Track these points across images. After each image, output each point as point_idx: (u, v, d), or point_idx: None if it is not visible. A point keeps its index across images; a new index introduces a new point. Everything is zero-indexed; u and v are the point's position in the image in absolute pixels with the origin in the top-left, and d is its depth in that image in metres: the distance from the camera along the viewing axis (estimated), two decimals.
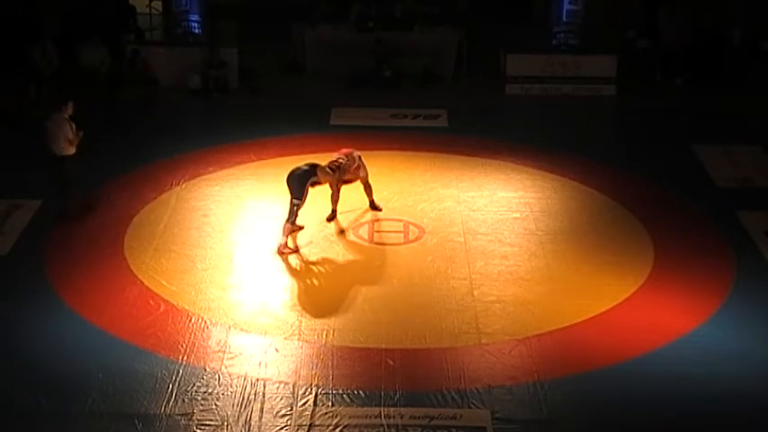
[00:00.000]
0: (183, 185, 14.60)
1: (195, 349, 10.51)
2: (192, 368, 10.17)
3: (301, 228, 12.98)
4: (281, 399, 9.72)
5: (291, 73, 20.44)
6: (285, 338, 10.77)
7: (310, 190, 12.71)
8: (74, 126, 13.07)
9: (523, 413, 9.53)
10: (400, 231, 13.34)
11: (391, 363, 10.31)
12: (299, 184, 12.57)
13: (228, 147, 16.07)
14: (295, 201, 12.53)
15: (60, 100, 13.19)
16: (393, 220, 13.56)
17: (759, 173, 15.50)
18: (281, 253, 12.52)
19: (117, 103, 18.19)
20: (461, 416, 9.46)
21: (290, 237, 12.71)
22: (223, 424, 9.35)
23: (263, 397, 9.74)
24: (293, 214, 12.56)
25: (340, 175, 13.11)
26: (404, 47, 20.10)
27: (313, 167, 12.70)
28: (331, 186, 13.14)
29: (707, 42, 19.86)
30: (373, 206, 13.75)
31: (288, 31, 20.84)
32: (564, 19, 20.43)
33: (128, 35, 20.30)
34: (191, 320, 11.06)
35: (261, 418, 9.45)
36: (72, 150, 13.10)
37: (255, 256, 12.62)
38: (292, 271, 12.29)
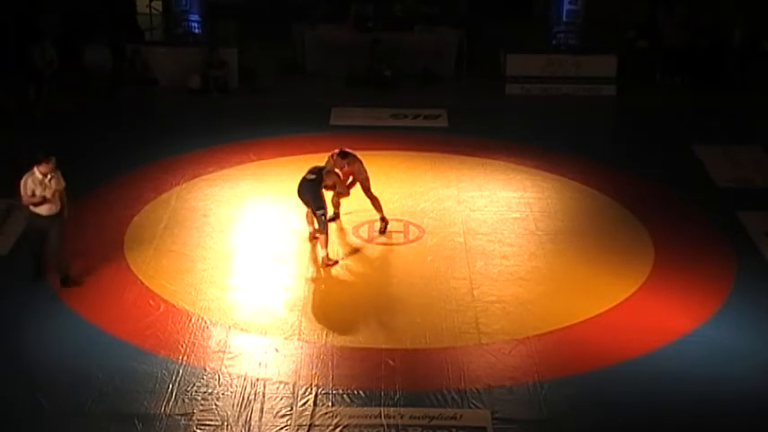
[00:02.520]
0: (183, 185, 14.60)
1: (195, 349, 10.51)
2: (191, 368, 10.17)
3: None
4: (281, 399, 9.72)
5: (291, 73, 20.44)
6: (285, 338, 10.77)
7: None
8: (33, 186, 11.37)
9: (523, 413, 9.53)
10: (400, 231, 13.33)
11: (391, 363, 10.31)
12: (313, 194, 12.37)
13: (228, 147, 16.07)
14: (318, 212, 12.31)
15: (40, 157, 11.43)
16: (393, 220, 13.53)
17: (759, 173, 15.51)
18: (326, 265, 12.31)
19: (117, 102, 18.27)
20: (461, 416, 9.46)
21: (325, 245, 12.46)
22: (223, 424, 9.35)
23: (263, 397, 9.74)
24: (323, 224, 12.32)
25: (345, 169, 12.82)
26: (404, 47, 20.10)
27: (318, 174, 12.46)
28: (337, 186, 12.81)
29: (707, 42, 19.87)
30: (383, 224, 13.25)
31: (288, 31, 20.84)
32: (564, 19, 20.40)
33: (127, 35, 20.25)
34: (191, 320, 11.06)
35: (261, 418, 9.45)
36: (34, 210, 11.48)
37: (255, 256, 12.61)
38: (292, 271, 12.29)
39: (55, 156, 11.44)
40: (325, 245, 12.35)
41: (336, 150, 12.92)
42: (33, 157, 11.45)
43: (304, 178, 12.50)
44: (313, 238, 12.81)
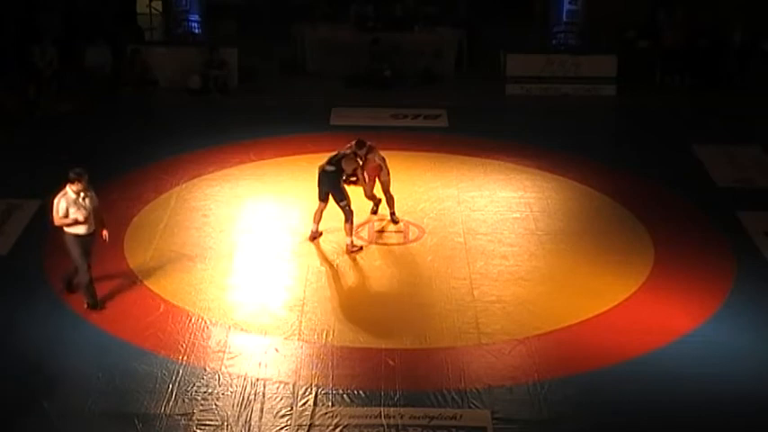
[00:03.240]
0: (183, 185, 14.60)
1: (195, 349, 10.51)
2: (192, 368, 10.16)
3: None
4: (281, 399, 9.72)
5: (291, 73, 20.45)
6: (285, 338, 10.77)
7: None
8: (67, 205, 10.80)
9: (523, 413, 9.53)
10: (400, 231, 13.34)
11: (391, 363, 10.31)
12: (334, 186, 12.50)
13: (228, 147, 16.07)
14: (342, 203, 12.48)
15: (72, 175, 10.82)
16: None
17: (759, 173, 15.51)
18: (350, 252, 12.53)
19: (117, 102, 18.28)
20: (461, 416, 9.46)
21: (354, 236, 12.74)
22: (223, 424, 9.35)
23: (263, 397, 9.74)
24: (348, 214, 12.49)
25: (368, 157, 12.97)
26: (404, 47, 20.12)
27: (338, 164, 12.55)
28: (357, 175, 12.94)
29: (707, 42, 19.87)
30: (394, 218, 13.50)
31: (288, 31, 20.85)
32: (564, 19, 20.45)
33: (127, 35, 20.26)
34: (191, 320, 11.06)
35: (261, 418, 9.45)
36: (74, 230, 10.92)
37: (255, 255, 12.62)
38: (292, 271, 12.29)
39: (88, 173, 10.91)
40: (350, 233, 12.55)
41: (353, 141, 13.05)
42: (66, 175, 10.85)
43: (323, 170, 12.60)
44: (314, 238, 12.83)
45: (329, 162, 12.62)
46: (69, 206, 10.80)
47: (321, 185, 12.63)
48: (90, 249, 11.12)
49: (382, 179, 13.28)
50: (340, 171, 12.56)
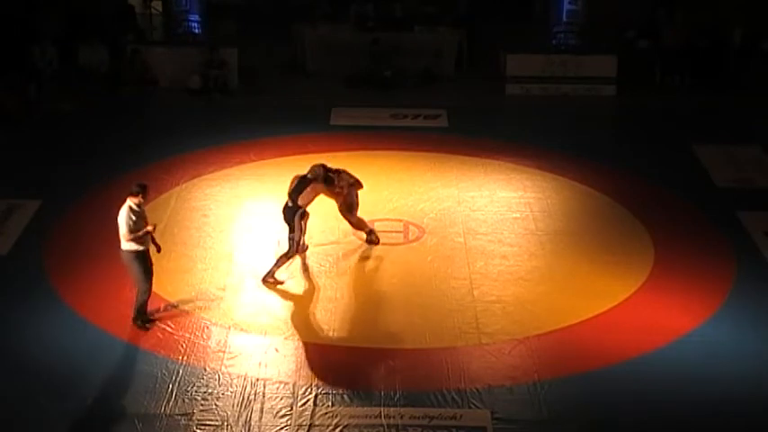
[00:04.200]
0: (183, 185, 14.60)
1: (195, 349, 10.51)
2: (191, 368, 10.17)
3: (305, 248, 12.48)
4: (281, 399, 9.72)
5: (291, 73, 20.45)
6: (285, 338, 10.77)
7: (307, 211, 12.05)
8: (135, 219, 10.51)
9: (523, 413, 9.53)
10: (400, 231, 13.33)
11: (391, 363, 10.31)
12: (289, 220, 11.90)
13: (228, 147, 16.07)
14: (289, 235, 11.88)
15: (135, 189, 10.61)
16: (393, 220, 13.55)
17: (759, 173, 15.51)
18: (264, 281, 11.85)
19: (117, 102, 18.28)
20: (461, 416, 9.46)
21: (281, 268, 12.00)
22: (223, 424, 9.35)
23: (263, 397, 9.74)
24: (291, 248, 11.89)
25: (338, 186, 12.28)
26: (404, 47, 20.12)
27: (295, 200, 11.83)
28: (331, 195, 12.34)
29: (707, 42, 19.88)
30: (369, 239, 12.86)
31: (288, 31, 20.85)
32: (564, 19, 20.44)
33: (127, 35, 20.25)
34: (191, 320, 11.06)
35: (261, 418, 9.45)
36: (137, 246, 10.60)
37: (255, 256, 12.61)
38: (292, 271, 12.27)
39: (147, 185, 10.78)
40: (278, 266, 11.88)
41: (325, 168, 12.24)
42: (128, 189, 10.64)
43: (286, 202, 11.97)
44: (301, 251, 12.41)
45: (290, 196, 11.88)
46: (138, 220, 10.52)
47: (283, 214, 12.01)
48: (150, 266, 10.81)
49: (347, 201, 12.45)
50: (296, 208, 11.86)
